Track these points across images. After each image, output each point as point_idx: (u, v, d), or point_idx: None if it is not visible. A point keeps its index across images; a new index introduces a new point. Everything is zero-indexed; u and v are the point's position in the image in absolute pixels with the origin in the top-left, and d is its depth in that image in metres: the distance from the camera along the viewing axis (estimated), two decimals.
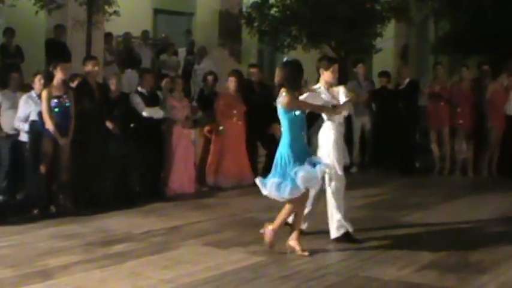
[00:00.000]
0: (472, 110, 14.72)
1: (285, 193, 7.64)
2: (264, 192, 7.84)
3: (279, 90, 7.83)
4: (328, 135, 8.44)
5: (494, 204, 11.34)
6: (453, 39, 20.30)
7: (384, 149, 15.24)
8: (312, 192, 8.17)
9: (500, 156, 14.70)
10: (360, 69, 15.42)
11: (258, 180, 7.91)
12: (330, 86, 8.50)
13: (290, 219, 8.24)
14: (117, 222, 9.64)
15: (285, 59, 8.36)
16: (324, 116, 8.45)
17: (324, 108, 8.32)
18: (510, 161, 14.51)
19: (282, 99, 7.70)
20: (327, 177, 8.19)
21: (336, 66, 8.59)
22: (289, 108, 7.69)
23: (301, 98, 8.00)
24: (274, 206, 10.76)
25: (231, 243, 8.30)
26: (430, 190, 12.71)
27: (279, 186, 7.67)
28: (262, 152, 13.75)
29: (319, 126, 8.62)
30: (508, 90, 14.61)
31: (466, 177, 14.68)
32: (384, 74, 16.02)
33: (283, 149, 7.72)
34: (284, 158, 7.69)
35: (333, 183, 8.32)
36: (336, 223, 8.36)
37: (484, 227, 9.56)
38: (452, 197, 11.96)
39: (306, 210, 8.36)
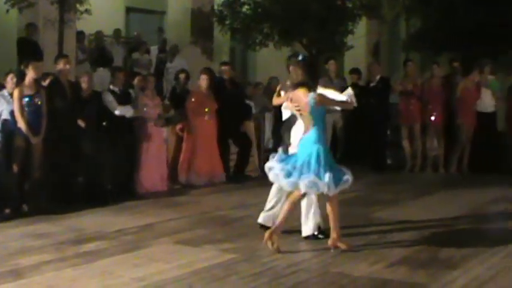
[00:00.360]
0: (443, 107, 14.85)
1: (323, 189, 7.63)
2: (303, 188, 7.65)
3: (294, 89, 7.86)
4: None
5: (465, 200, 11.44)
6: (424, 37, 20.44)
7: (356, 146, 15.32)
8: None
9: (470, 153, 14.84)
10: (331, 66, 15.46)
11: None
12: None
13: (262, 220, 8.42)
14: (89, 220, 9.61)
15: (300, 57, 8.26)
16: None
17: (344, 103, 8.41)
18: (480, 158, 14.66)
19: (315, 97, 7.67)
20: None
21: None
22: (320, 105, 7.72)
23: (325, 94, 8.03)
24: (245, 204, 10.90)
25: (202, 241, 8.31)
26: (401, 186, 12.80)
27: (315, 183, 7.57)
28: (234, 149, 13.78)
29: (291, 125, 8.63)
30: (479, 88, 14.74)
31: (437, 173, 14.82)
32: (355, 71, 16.14)
33: (315, 146, 7.64)
34: (319, 153, 7.62)
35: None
36: (313, 221, 8.41)
37: (455, 223, 9.63)
38: (423, 193, 12.07)
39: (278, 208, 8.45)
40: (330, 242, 7.92)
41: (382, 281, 6.72)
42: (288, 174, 7.66)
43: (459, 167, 14.86)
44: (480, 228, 9.32)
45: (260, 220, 8.77)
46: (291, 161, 7.78)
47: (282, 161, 7.85)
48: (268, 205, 8.72)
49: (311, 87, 7.79)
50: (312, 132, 7.70)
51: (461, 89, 14.73)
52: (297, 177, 7.59)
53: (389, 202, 11.13)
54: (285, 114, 8.78)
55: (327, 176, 7.56)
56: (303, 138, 7.81)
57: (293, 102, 7.89)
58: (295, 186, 7.66)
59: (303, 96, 7.74)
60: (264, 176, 8.13)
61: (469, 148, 14.84)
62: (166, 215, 10.01)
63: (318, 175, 7.55)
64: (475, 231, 9.09)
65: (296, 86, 7.87)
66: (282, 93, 8.58)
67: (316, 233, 8.40)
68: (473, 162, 14.79)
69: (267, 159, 8.17)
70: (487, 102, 14.84)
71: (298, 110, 7.83)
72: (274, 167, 7.82)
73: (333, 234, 7.90)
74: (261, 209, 9.83)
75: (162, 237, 8.53)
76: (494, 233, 8.90)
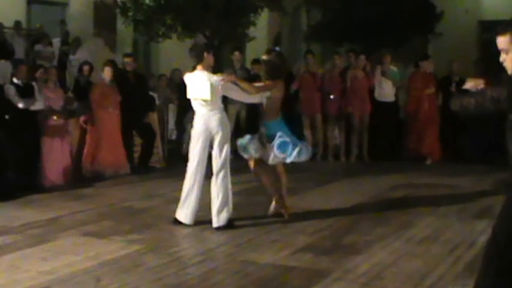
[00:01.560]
0: (343, 97, 15.14)
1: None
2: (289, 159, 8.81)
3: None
4: (226, 123, 8.71)
5: (366, 187, 11.71)
6: (325, 28, 20.73)
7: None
8: None
9: (371, 141, 15.18)
10: (236, 56, 15.63)
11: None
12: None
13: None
14: None
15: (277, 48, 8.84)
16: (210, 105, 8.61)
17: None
18: (381, 146, 15.03)
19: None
20: (216, 166, 8.54)
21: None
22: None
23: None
24: (150, 195, 10.93)
25: (109, 233, 8.33)
26: (303, 175, 12.93)
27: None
28: (138, 141, 13.77)
29: (192, 116, 8.81)
30: (369, 76, 15.08)
31: (338, 162, 15.09)
32: (257, 62, 16.28)
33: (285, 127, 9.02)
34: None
35: (224, 171, 8.56)
36: (226, 211, 8.54)
37: (357, 210, 9.83)
38: (325, 182, 12.29)
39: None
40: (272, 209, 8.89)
41: (287, 268, 6.87)
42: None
43: (359, 155, 15.19)
44: (382, 214, 9.49)
45: (177, 215, 8.80)
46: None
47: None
48: (183, 195, 8.75)
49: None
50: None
51: (350, 78, 15.05)
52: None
53: (292, 190, 11.19)
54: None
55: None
56: (277, 121, 8.99)
57: None
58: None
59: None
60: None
61: (367, 136, 15.16)
62: (72, 207, 9.96)
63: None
64: (377, 217, 9.28)
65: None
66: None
67: (226, 223, 8.52)
68: (373, 150, 15.14)
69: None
70: (387, 91, 15.19)
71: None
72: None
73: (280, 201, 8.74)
74: (166, 200, 9.96)
75: (68, 229, 8.50)
76: (396, 219, 9.11)
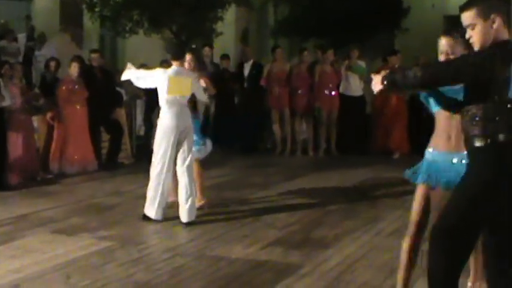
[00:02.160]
0: (311, 92, 15.17)
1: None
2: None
3: None
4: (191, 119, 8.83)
5: (334, 181, 11.77)
6: (292, 23, 20.75)
7: (227, 130, 15.46)
8: None
9: (339, 135, 15.23)
10: (206, 52, 15.63)
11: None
12: None
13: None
14: None
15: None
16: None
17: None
18: (349, 140, 15.08)
19: None
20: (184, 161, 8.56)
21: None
22: None
23: None
24: (119, 191, 10.88)
25: (78, 230, 8.28)
26: (272, 170, 13.01)
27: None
28: (105, 137, 13.69)
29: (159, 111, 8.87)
30: (336, 71, 15.12)
31: (306, 156, 15.11)
32: (225, 56, 16.30)
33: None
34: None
35: (191, 165, 8.60)
36: (192, 206, 8.54)
37: (326, 204, 9.87)
38: (294, 176, 12.30)
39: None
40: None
41: (258, 262, 6.89)
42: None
43: (328, 149, 15.23)
44: (351, 208, 9.56)
45: (146, 211, 8.76)
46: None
47: None
48: (151, 191, 8.71)
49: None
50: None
51: (319, 73, 15.08)
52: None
53: (262, 185, 11.30)
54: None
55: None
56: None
57: None
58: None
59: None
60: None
61: (335, 130, 15.20)
62: (40, 204, 9.85)
63: None
64: (346, 211, 9.34)
65: None
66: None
67: (194, 218, 8.53)
68: (341, 144, 15.18)
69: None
70: (354, 86, 15.23)
71: None
72: None
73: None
74: (135, 196, 9.94)
75: (37, 227, 8.44)
76: (365, 213, 9.17)
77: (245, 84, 15.61)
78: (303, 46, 17.02)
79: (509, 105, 4.19)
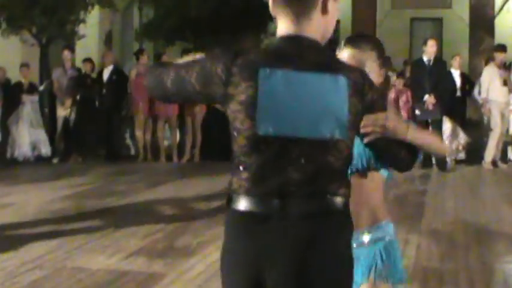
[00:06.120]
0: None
1: None
2: None
3: None
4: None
5: (199, 188, 11.70)
6: (157, 26, 20.62)
7: (88, 136, 15.20)
8: None
9: (203, 141, 15.18)
10: (65, 55, 15.25)
11: None
12: None
13: None
14: None
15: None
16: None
17: None
18: (213, 146, 15.05)
19: None
20: None
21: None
22: None
23: None
24: None
25: None
26: (135, 177, 12.86)
27: None
28: None
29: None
30: None
31: (171, 162, 15.01)
32: (87, 60, 15.98)
33: None
34: None
35: None
36: None
37: (190, 210, 9.83)
38: (158, 183, 12.18)
39: None
40: None
41: (120, 272, 6.73)
42: None
43: (192, 155, 15.16)
44: (215, 214, 9.50)
45: None
46: None
47: None
48: None
49: None
50: None
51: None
52: None
53: (123, 193, 11.13)
54: None
55: None
56: None
57: None
58: None
59: None
60: None
61: (200, 137, 15.15)
62: None
63: None
64: (210, 218, 9.25)
65: None
66: None
67: None
68: (207, 150, 15.14)
69: None
70: None
71: None
72: None
73: None
74: None
75: None
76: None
77: (104, 91, 15.22)
78: (165, 50, 16.89)
79: None
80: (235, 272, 2.95)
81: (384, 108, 2.83)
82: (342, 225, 2.78)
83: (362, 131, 2.80)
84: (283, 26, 2.87)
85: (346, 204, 2.76)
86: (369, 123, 2.78)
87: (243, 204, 2.74)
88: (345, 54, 3.63)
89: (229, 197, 2.80)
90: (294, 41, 2.79)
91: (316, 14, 2.80)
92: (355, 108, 2.73)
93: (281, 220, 2.70)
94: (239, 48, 2.78)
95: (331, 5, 2.83)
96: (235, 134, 2.74)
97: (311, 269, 2.70)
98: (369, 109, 2.79)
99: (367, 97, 2.77)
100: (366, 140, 2.85)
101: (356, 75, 2.77)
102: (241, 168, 2.74)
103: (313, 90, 2.70)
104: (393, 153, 3.00)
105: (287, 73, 2.70)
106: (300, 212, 2.68)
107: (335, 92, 2.70)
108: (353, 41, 3.71)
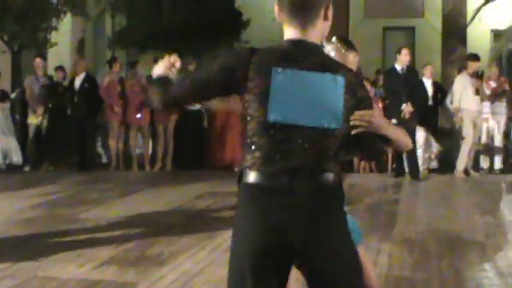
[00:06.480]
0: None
1: None
2: None
3: None
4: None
5: (171, 196, 11.64)
6: (129, 34, 20.58)
7: (60, 145, 15.12)
8: None
9: (175, 150, 15.12)
10: (37, 63, 15.14)
11: None
12: None
13: None
14: None
15: None
16: None
17: None
18: (185, 154, 15.01)
19: None
20: None
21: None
22: None
23: None
24: None
25: None
26: (107, 185, 12.77)
27: None
28: None
29: None
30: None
31: (143, 171, 14.94)
32: (59, 68, 15.91)
33: None
34: None
35: None
36: None
37: (162, 220, 9.75)
38: (130, 192, 12.10)
39: None
40: None
41: (91, 282, 6.66)
42: None
43: (164, 164, 15.10)
44: (187, 224, 9.48)
45: None
46: None
47: None
48: None
49: None
50: None
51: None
52: None
53: (95, 201, 11.05)
54: None
55: None
56: None
57: None
58: None
59: None
60: None
61: (172, 145, 15.09)
62: None
63: None
64: (182, 227, 9.22)
65: None
66: None
67: None
68: (179, 159, 15.09)
69: None
70: None
71: None
72: None
73: None
74: None
75: None
76: (201, 228, 9.09)
77: (75, 99, 15.10)
78: (138, 58, 16.84)
79: None
80: (245, 238, 3.36)
81: (370, 106, 3.36)
82: (337, 195, 3.36)
83: (351, 123, 3.28)
84: (290, 32, 3.36)
85: (339, 177, 3.32)
86: (357, 118, 3.27)
87: (255, 178, 3.25)
88: (350, 56, 4.40)
89: (241, 173, 3.32)
90: (299, 44, 3.32)
91: (320, 22, 3.36)
92: (348, 104, 3.28)
93: (289, 195, 3.21)
94: (253, 48, 3.35)
95: (330, 12, 3.37)
96: (248, 118, 3.29)
97: (322, 234, 3.25)
98: (358, 105, 3.32)
99: (358, 94, 3.33)
100: (353, 131, 3.30)
101: (351, 75, 3.34)
102: (253, 147, 3.27)
103: (315, 87, 3.27)
104: (371, 143, 3.48)
105: (294, 72, 3.26)
106: (306, 188, 3.21)
107: (333, 89, 3.27)
108: (352, 46, 4.51)
